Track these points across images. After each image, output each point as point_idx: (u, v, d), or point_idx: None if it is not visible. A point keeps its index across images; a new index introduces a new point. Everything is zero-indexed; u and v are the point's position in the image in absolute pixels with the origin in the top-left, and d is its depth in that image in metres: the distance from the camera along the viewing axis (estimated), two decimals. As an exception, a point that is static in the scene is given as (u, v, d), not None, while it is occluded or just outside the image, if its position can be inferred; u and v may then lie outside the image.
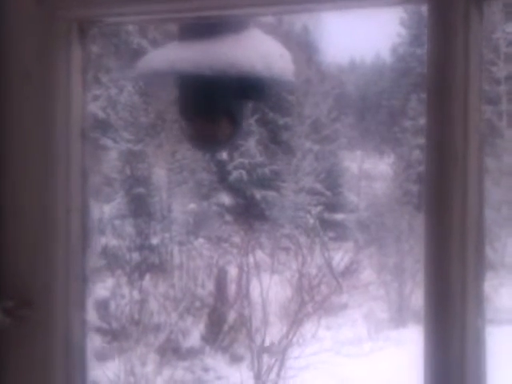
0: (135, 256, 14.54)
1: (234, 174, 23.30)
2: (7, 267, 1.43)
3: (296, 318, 10.41)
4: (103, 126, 19.43)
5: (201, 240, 17.71)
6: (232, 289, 12.06)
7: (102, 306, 11.04)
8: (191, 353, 10.66)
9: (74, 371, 1.48)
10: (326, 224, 22.06)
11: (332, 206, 25.06)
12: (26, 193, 1.43)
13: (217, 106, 2.07)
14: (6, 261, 1.43)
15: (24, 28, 1.44)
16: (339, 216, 25.07)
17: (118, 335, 10.18)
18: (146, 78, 2.25)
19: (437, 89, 1.38)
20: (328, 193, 25.24)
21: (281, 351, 9.81)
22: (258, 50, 1.98)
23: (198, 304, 11.74)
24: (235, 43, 1.96)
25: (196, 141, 2.18)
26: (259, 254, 13.94)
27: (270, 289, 10.91)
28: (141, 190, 18.65)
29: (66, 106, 1.44)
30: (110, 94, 20.20)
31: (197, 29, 1.98)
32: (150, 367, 9.61)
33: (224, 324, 11.18)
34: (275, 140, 25.53)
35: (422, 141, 22.57)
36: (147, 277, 13.07)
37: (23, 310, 1.41)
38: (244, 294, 11.18)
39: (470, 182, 1.36)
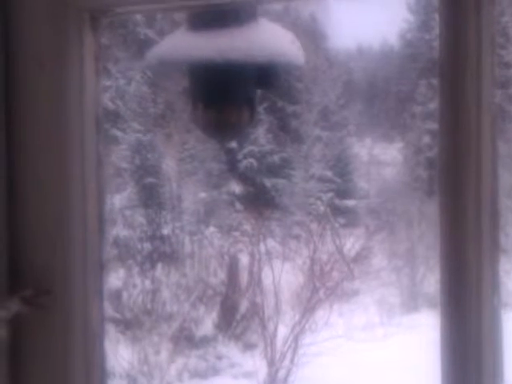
0: (147, 246, 14.59)
1: (244, 163, 23.31)
2: (25, 256, 1.44)
3: (308, 304, 10.43)
4: (113, 116, 19.48)
5: (212, 229, 17.75)
6: (244, 277, 12.08)
7: (115, 296, 11.09)
8: (204, 341, 10.70)
9: (93, 359, 1.49)
10: (336, 210, 22.05)
11: (342, 193, 25.06)
12: (42, 182, 1.44)
13: (230, 95, 2.07)
14: (23, 250, 1.44)
15: (36, 17, 1.45)
16: (350, 202, 25.07)
17: (131, 325, 10.23)
18: (156, 68, 2.24)
19: (449, 73, 1.39)
20: (338, 179, 25.23)
21: (294, 338, 9.83)
22: (270, 38, 1.99)
23: (210, 293, 11.77)
24: (247, 32, 1.97)
25: (210, 130, 2.17)
26: (270, 242, 13.96)
27: (282, 276, 10.93)
28: (151, 180, 18.69)
29: (79, 95, 1.45)
30: (119, 85, 20.23)
31: (206, 19, 1.99)
32: (163, 356, 9.66)
33: (236, 312, 11.21)
34: (284, 128, 25.52)
35: (431, 126, 22.55)
36: (159, 266, 13.12)
37: (41, 299, 1.42)
38: (256, 281, 11.20)
39: (484, 165, 1.37)
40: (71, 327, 1.46)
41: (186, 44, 1.98)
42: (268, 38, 1.98)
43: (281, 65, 2.10)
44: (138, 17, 21.66)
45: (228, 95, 2.06)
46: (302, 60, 2.06)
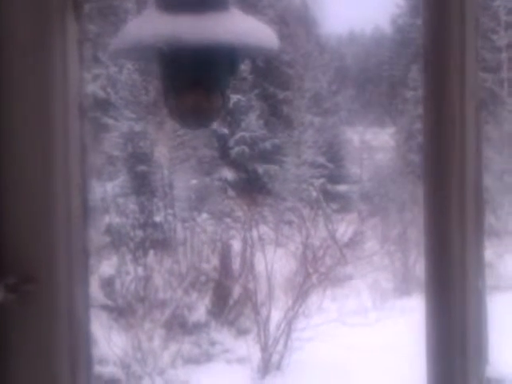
0: (139, 233, 14.59)
1: (236, 149, 23.30)
2: (9, 243, 1.43)
3: (301, 290, 10.45)
4: (104, 105, 19.43)
5: (204, 215, 17.76)
6: (236, 263, 12.11)
7: (108, 283, 11.09)
8: (197, 327, 10.71)
9: (78, 346, 1.49)
10: (329, 196, 22.09)
11: (334, 178, 25.10)
12: (25, 169, 1.44)
13: (200, 80, 2.05)
14: (7, 237, 1.43)
15: (18, 4, 1.44)
16: (342, 188, 25.12)
17: (124, 312, 10.23)
18: (126, 53, 2.19)
19: (433, 56, 1.38)
20: (330, 165, 25.25)
21: (287, 323, 9.86)
22: (241, 24, 1.98)
23: (202, 279, 11.78)
24: (217, 17, 1.95)
25: (184, 117, 2.15)
26: (263, 228, 13.97)
27: (275, 262, 10.94)
28: (143, 167, 18.67)
29: (63, 81, 1.44)
30: (110, 73, 20.16)
31: (178, 2, 1.96)
32: (156, 342, 9.67)
33: (229, 298, 11.23)
34: (276, 114, 25.50)
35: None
36: (151, 253, 13.11)
37: (26, 286, 1.42)
38: (248, 267, 11.22)
39: (468, 147, 1.37)
40: (56, 314, 1.45)
41: (154, 25, 1.95)
42: (239, 24, 1.97)
43: (253, 50, 2.09)
44: (129, 4, 21.58)
45: (198, 81, 2.04)
46: (276, 46, 2.05)
